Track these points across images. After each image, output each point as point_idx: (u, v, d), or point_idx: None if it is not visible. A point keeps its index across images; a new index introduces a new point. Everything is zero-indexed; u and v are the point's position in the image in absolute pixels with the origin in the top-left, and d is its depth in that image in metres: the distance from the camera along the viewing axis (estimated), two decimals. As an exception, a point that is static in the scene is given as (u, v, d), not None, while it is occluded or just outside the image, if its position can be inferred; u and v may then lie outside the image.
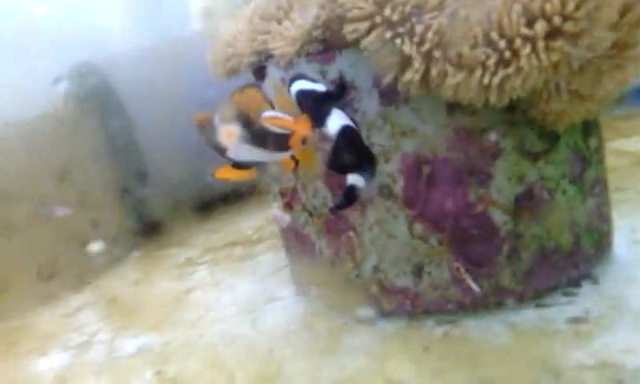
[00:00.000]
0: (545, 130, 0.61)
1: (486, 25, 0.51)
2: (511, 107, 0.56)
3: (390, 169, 0.63)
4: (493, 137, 0.60)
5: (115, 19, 1.21)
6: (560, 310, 0.63)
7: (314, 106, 0.53)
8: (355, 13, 0.56)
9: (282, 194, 0.74)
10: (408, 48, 0.53)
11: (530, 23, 0.50)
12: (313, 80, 0.56)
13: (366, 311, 0.69)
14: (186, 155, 1.05)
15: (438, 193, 0.62)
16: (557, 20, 0.49)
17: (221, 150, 0.49)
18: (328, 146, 0.52)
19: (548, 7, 0.49)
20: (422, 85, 0.55)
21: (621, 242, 0.73)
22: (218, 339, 0.74)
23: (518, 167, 0.62)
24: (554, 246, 0.64)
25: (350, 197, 0.50)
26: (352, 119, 0.52)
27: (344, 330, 0.69)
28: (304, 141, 0.49)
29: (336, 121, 0.51)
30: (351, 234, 0.67)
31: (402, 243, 0.64)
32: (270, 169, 0.73)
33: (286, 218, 0.74)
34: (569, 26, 0.49)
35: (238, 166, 0.51)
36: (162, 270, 1.07)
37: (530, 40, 0.50)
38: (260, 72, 0.70)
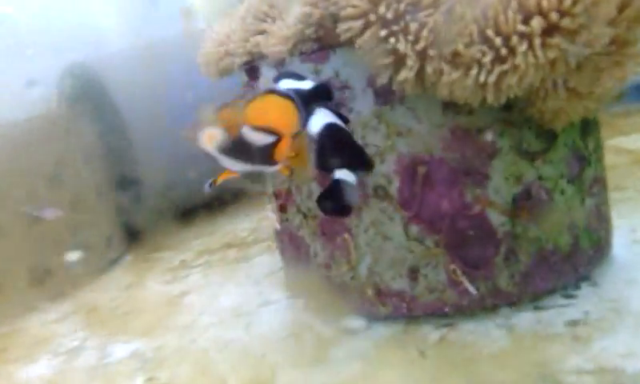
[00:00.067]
0: (542, 129, 0.60)
1: (482, 22, 0.50)
2: (508, 106, 0.55)
3: (385, 169, 0.62)
4: (489, 136, 0.60)
5: (109, 19, 1.20)
6: (558, 313, 0.62)
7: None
8: (349, 11, 0.55)
9: (276, 195, 0.73)
10: (403, 46, 0.53)
11: (527, 20, 0.49)
12: (300, 78, 0.54)
13: (361, 316, 0.67)
14: (180, 156, 1.04)
15: (434, 194, 0.61)
16: (554, 16, 0.48)
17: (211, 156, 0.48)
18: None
19: (545, 3, 0.49)
20: (417, 83, 0.54)
21: (620, 243, 0.72)
22: (210, 344, 0.73)
23: (516, 167, 0.61)
24: (553, 247, 0.63)
25: (337, 192, 0.47)
26: (342, 116, 0.50)
27: (338, 335, 0.68)
28: (295, 138, 0.48)
29: (319, 120, 0.49)
30: (346, 236, 0.66)
31: (397, 245, 0.63)
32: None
33: (276, 224, 0.73)
34: (566, 23, 0.49)
35: None
36: (155, 273, 1.06)
37: (526, 37, 0.49)
38: (253, 72, 0.69)
